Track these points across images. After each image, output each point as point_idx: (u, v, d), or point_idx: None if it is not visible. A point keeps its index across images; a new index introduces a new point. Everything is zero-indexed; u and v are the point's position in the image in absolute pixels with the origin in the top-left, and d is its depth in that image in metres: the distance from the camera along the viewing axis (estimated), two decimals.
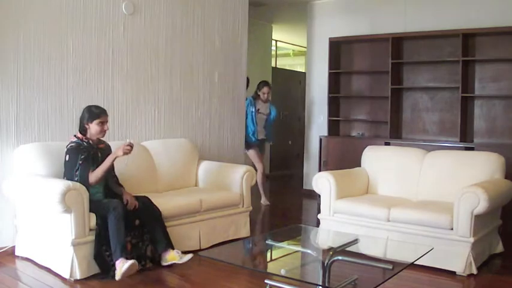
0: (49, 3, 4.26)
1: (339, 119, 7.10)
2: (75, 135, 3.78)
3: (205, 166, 5.04)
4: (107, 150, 3.89)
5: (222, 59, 5.81)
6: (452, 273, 3.76)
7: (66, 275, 3.48)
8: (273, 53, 10.14)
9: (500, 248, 4.28)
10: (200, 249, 4.19)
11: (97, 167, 3.70)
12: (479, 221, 3.74)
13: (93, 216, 3.57)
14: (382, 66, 6.51)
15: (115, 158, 3.70)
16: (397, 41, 6.41)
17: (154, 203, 3.91)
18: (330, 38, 6.96)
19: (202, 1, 5.54)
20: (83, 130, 3.77)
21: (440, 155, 4.56)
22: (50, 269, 3.67)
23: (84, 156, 3.66)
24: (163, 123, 5.20)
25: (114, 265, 3.44)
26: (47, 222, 3.70)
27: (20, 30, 4.09)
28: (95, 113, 3.77)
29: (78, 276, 3.48)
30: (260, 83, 6.57)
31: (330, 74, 6.98)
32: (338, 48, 7.04)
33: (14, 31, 4.05)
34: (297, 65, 11.45)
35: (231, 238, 4.59)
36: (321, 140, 6.94)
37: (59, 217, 3.50)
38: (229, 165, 5.05)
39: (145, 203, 3.86)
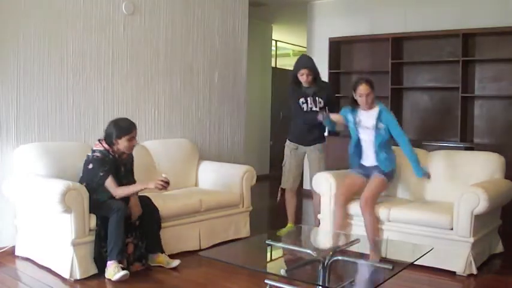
0: (49, 3, 4.26)
1: None
2: (100, 142, 3.70)
3: (205, 166, 5.04)
4: (129, 161, 3.87)
5: (222, 59, 5.81)
6: (452, 273, 3.76)
7: (66, 275, 3.49)
8: (273, 53, 10.13)
9: (500, 248, 4.28)
10: (200, 249, 4.19)
11: (118, 179, 3.67)
12: (479, 221, 3.74)
13: (93, 217, 3.57)
14: (382, 66, 6.50)
15: (144, 188, 3.69)
16: (397, 41, 6.41)
17: (154, 203, 3.91)
18: (330, 38, 6.96)
19: (202, 1, 5.54)
20: (109, 142, 3.68)
21: (441, 155, 4.56)
22: (50, 269, 3.67)
23: (107, 168, 3.61)
24: (163, 123, 5.20)
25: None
26: (47, 222, 3.70)
27: (20, 30, 4.09)
28: (123, 128, 3.67)
29: (78, 276, 3.48)
30: (356, 81, 4.27)
31: (330, 74, 6.97)
32: (338, 48, 7.04)
33: (14, 31, 4.05)
34: None
35: (231, 238, 4.59)
36: None
37: (59, 217, 3.51)
38: (229, 165, 5.05)
39: (146, 203, 3.86)
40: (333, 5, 7.19)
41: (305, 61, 4.72)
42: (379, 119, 4.12)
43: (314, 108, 4.67)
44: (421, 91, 6.37)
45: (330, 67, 6.96)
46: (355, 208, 4.16)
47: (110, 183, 3.60)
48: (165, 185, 3.61)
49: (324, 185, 4.39)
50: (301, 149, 4.79)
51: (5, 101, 4.04)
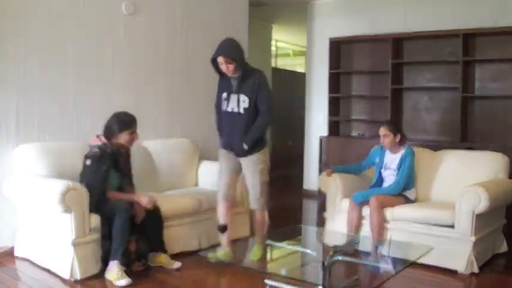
0: (49, 3, 4.25)
1: (339, 119, 7.09)
2: (98, 137, 3.70)
3: (205, 166, 5.03)
4: (126, 155, 3.86)
5: None
6: (454, 272, 3.76)
7: (66, 275, 3.48)
8: (273, 53, 10.14)
9: (504, 247, 4.28)
10: (200, 249, 4.19)
11: (117, 171, 3.71)
12: (481, 220, 3.74)
13: (94, 217, 3.57)
14: (382, 66, 6.51)
15: (135, 201, 3.71)
16: (397, 41, 6.41)
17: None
18: (330, 38, 6.96)
19: (202, 1, 5.54)
20: (108, 136, 3.68)
21: (446, 155, 4.56)
22: (49, 269, 3.66)
23: (106, 167, 3.61)
24: (163, 123, 5.19)
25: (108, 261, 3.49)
26: (47, 222, 3.70)
27: (20, 30, 4.08)
28: (127, 122, 3.69)
29: (78, 276, 3.47)
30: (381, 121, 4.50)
31: (330, 74, 6.97)
32: (338, 48, 7.04)
33: (14, 31, 4.05)
34: (297, 65, 11.44)
35: (231, 238, 4.58)
36: (321, 140, 6.94)
37: (59, 217, 3.50)
38: None
39: None
40: (333, 5, 7.19)
41: (222, 46, 3.76)
42: (401, 162, 4.23)
43: (235, 110, 3.74)
44: (421, 91, 6.37)
45: (330, 67, 6.97)
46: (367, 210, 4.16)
47: (105, 182, 3.63)
48: (152, 208, 3.75)
49: (331, 185, 4.41)
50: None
51: (5, 101, 4.04)
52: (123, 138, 3.67)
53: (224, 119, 3.86)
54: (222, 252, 3.81)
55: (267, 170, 3.92)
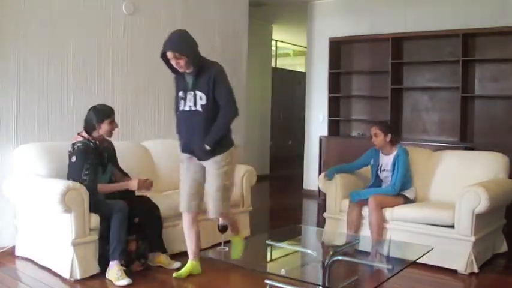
0: (49, 3, 4.25)
1: (339, 119, 7.10)
2: (79, 134, 3.72)
3: None
4: (110, 149, 3.87)
5: (222, 59, 5.77)
6: (454, 271, 3.76)
7: (66, 275, 3.48)
8: (273, 53, 10.14)
9: (504, 247, 4.28)
10: (200, 250, 4.18)
11: (102, 167, 3.71)
12: (481, 220, 3.74)
13: (93, 216, 3.57)
14: (382, 66, 6.51)
15: (127, 188, 3.72)
16: (397, 41, 6.41)
17: (155, 203, 3.91)
18: (330, 38, 6.96)
19: (202, 1, 5.54)
20: (89, 130, 3.69)
21: (445, 155, 4.56)
22: (50, 269, 3.66)
23: (91, 161, 3.60)
24: (163, 123, 5.19)
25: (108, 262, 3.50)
26: (47, 222, 3.70)
27: (20, 30, 4.09)
28: (105, 111, 3.71)
29: (78, 276, 3.48)
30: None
31: (330, 74, 6.97)
32: (338, 48, 7.04)
33: (14, 31, 4.05)
34: (297, 65, 11.45)
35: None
36: (321, 140, 6.94)
37: (59, 217, 3.50)
38: None
39: (145, 202, 3.85)
40: (333, 5, 7.20)
41: (170, 40, 3.41)
42: (395, 163, 4.20)
43: (194, 108, 3.41)
44: (421, 91, 6.37)
45: (330, 67, 6.97)
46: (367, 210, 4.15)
47: (95, 176, 3.62)
48: (149, 186, 3.74)
49: (330, 185, 4.42)
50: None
51: (5, 101, 4.04)
52: (104, 128, 3.68)
53: (182, 120, 3.50)
54: (189, 266, 3.58)
55: (232, 172, 3.54)
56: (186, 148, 3.52)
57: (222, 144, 3.42)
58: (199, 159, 3.49)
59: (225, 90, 3.40)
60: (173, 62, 3.36)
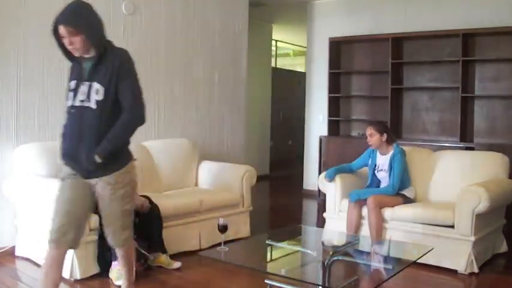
0: (49, 3, 4.24)
1: (339, 119, 7.10)
2: None
3: (205, 166, 5.04)
4: None
5: (222, 59, 5.81)
6: (454, 271, 3.76)
7: (66, 275, 3.48)
8: (273, 53, 10.14)
9: (504, 247, 4.28)
10: (200, 249, 4.19)
11: None
12: (481, 220, 3.74)
13: (93, 217, 3.56)
14: (382, 66, 6.51)
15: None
16: (397, 41, 6.41)
17: (155, 203, 3.91)
18: (330, 38, 6.96)
19: (202, 1, 5.54)
20: None
21: (445, 155, 4.56)
22: None
23: None
24: (163, 123, 5.19)
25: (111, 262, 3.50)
26: (47, 222, 3.69)
27: (20, 30, 4.09)
28: None
29: (78, 276, 3.48)
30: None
31: (330, 74, 6.97)
32: (338, 48, 7.04)
33: (14, 31, 4.05)
34: (297, 65, 11.45)
35: (231, 238, 4.58)
36: (320, 140, 6.94)
37: None
38: (230, 165, 5.04)
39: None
40: (333, 5, 7.20)
41: (64, 12, 2.52)
42: (391, 162, 4.19)
43: (86, 103, 2.58)
44: (421, 91, 6.37)
45: (330, 67, 6.97)
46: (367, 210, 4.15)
47: None
48: (145, 210, 3.78)
49: (330, 185, 4.42)
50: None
51: (5, 101, 4.04)
52: None
53: (69, 119, 2.65)
54: None
55: (133, 193, 2.73)
56: (67, 156, 2.62)
57: (117, 158, 2.62)
58: (86, 177, 2.60)
59: (131, 88, 2.62)
60: (66, 42, 2.54)
